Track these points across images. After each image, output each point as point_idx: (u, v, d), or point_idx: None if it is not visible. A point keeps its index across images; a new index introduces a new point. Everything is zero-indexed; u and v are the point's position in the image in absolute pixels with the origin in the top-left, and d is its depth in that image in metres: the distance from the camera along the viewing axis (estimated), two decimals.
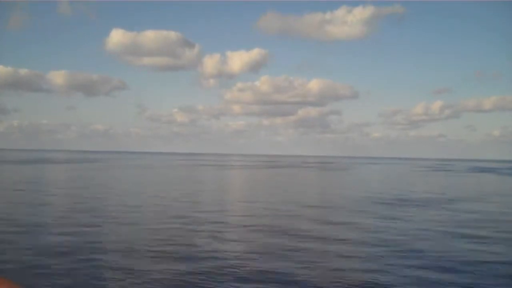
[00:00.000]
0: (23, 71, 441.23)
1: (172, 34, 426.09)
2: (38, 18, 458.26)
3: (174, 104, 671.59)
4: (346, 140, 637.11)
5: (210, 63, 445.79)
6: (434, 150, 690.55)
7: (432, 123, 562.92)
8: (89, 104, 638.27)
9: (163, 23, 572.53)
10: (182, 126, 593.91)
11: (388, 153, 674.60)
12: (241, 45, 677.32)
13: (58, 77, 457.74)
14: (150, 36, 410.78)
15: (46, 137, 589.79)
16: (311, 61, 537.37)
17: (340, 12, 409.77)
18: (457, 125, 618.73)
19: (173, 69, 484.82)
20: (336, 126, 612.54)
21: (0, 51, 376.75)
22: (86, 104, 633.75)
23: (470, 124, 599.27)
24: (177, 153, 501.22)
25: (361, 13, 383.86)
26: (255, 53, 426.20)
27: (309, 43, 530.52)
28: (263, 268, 12.81)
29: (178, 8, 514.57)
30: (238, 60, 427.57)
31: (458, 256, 14.82)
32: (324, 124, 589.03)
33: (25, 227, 18.33)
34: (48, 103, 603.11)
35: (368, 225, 21.16)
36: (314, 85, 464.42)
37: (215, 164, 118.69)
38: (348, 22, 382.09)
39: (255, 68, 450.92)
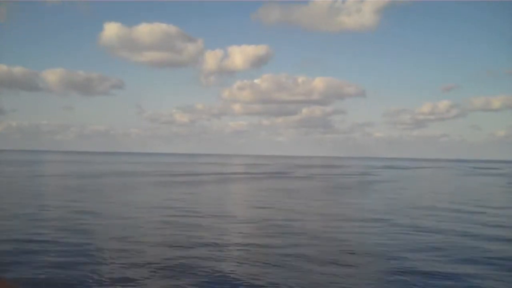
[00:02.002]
0: (18, 69, 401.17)
1: (172, 28, 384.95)
2: (28, 14, 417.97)
3: (174, 103, 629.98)
4: (348, 140, 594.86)
5: (211, 59, 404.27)
6: (436, 150, 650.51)
7: (437, 123, 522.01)
8: (87, 103, 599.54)
9: (162, 19, 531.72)
10: (182, 126, 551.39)
11: (389, 153, 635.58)
12: (242, 41, 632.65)
13: (53, 75, 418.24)
14: (147, 30, 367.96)
15: (44, 138, 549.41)
16: (316, 56, 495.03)
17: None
18: (462, 125, 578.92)
19: (173, 65, 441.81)
20: (339, 126, 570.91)
21: None
22: (83, 103, 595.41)
23: (476, 123, 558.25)
24: (176, 154, 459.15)
25: (375, 1, 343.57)
26: (256, 49, 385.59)
27: (314, 35, 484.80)
28: None
29: (177, 4, 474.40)
30: (239, 56, 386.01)
31: None
32: (328, 124, 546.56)
33: None
34: (45, 102, 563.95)
35: None
36: (319, 83, 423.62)
37: (196, 174, 75.96)
38: (362, 10, 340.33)
39: (257, 64, 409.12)
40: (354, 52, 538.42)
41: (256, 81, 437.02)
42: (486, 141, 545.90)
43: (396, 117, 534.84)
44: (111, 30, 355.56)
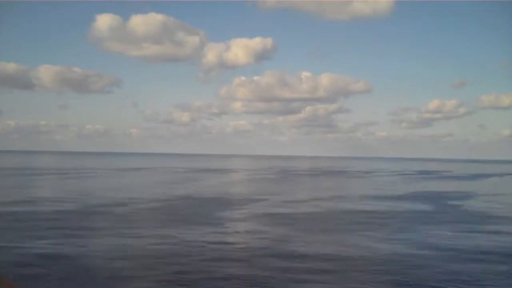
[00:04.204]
0: (11, 66, 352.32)
1: (171, 20, 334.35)
2: (20, 11, 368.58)
3: (173, 100, 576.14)
4: (351, 140, 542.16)
5: (212, 53, 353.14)
6: (438, 149, 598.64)
7: (444, 121, 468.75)
8: (83, 102, 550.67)
9: (159, 12, 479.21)
10: (182, 125, 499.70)
11: (391, 153, 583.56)
12: (244, 33, 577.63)
13: (47, 72, 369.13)
14: (143, 21, 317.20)
15: (42, 138, 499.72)
16: (322, 48, 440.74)
17: None
18: (469, 123, 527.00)
19: (172, 59, 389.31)
20: (342, 125, 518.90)
21: None
22: (79, 102, 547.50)
23: (483, 122, 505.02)
24: (174, 154, 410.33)
25: None
26: (259, 42, 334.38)
27: (322, 24, 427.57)
28: None
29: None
30: (241, 50, 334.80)
31: None
32: (331, 123, 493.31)
33: None
34: (40, 101, 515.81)
35: None
36: (324, 79, 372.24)
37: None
38: None
39: (259, 59, 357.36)
40: (363, 43, 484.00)
41: (258, 78, 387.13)
42: (490, 141, 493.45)
43: (402, 116, 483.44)
44: (104, 21, 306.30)
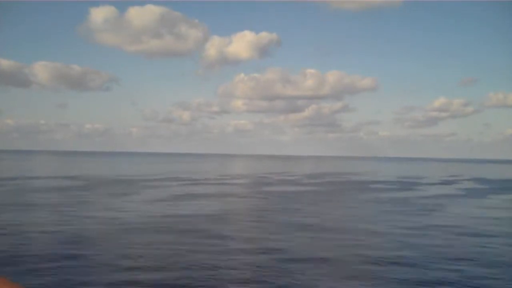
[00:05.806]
0: (6, 63, 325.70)
1: (171, 13, 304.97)
2: (14, 8, 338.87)
3: (172, 98, 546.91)
4: (355, 139, 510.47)
5: (214, 47, 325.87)
6: (440, 149, 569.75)
7: (449, 120, 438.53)
8: (81, 100, 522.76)
9: (162, 5, 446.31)
10: (182, 124, 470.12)
11: (393, 153, 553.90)
12: (247, 26, 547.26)
13: (43, 70, 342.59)
14: (142, 14, 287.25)
15: (41, 137, 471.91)
16: (328, 41, 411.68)
17: None
18: (475, 122, 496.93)
19: (173, 55, 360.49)
20: (346, 124, 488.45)
21: None
22: (77, 100, 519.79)
23: (489, 121, 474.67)
24: (172, 154, 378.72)
25: None
26: (262, 37, 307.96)
27: (330, 15, 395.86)
28: None
29: None
30: (244, 44, 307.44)
31: None
32: (335, 122, 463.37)
33: None
34: (37, 99, 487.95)
35: None
36: (329, 77, 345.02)
37: None
38: None
39: (262, 55, 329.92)
40: (369, 40, 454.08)
41: (260, 75, 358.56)
42: (493, 140, 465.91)
43: (407, 115, 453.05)
44: (99, 14, 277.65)
